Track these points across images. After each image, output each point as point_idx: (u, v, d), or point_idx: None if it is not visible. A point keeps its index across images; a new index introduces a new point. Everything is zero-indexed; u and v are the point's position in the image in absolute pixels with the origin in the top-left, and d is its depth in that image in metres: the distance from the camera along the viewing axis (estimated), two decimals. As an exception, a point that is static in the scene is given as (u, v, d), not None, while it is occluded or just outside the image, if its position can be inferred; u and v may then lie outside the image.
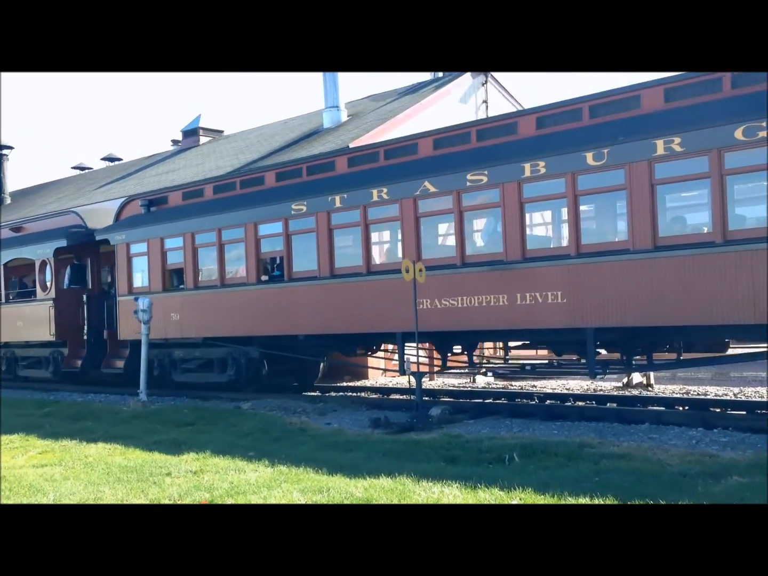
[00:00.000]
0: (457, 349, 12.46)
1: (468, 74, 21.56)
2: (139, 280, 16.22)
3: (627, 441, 8.15)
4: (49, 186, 34.70)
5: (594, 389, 13.67)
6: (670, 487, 5.88)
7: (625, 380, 13.55)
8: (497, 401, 11.89)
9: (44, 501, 6.44)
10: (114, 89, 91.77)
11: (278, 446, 8.75)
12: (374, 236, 12.82)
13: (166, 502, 6.30)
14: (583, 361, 10.71)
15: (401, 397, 13.66)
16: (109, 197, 22.51)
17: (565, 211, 10.24)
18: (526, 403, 11.60)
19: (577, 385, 14.04)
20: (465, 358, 12.35)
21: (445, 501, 5.87)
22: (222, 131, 29.63)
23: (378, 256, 13.08)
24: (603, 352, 10.70)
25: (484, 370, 13.13)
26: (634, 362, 10.73)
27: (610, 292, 9.56)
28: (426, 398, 11.08)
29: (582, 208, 10.08)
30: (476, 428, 9.67)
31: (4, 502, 6.50)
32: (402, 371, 11.62)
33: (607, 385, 14.13)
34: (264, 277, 13.91)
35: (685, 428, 8.92)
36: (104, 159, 35.43)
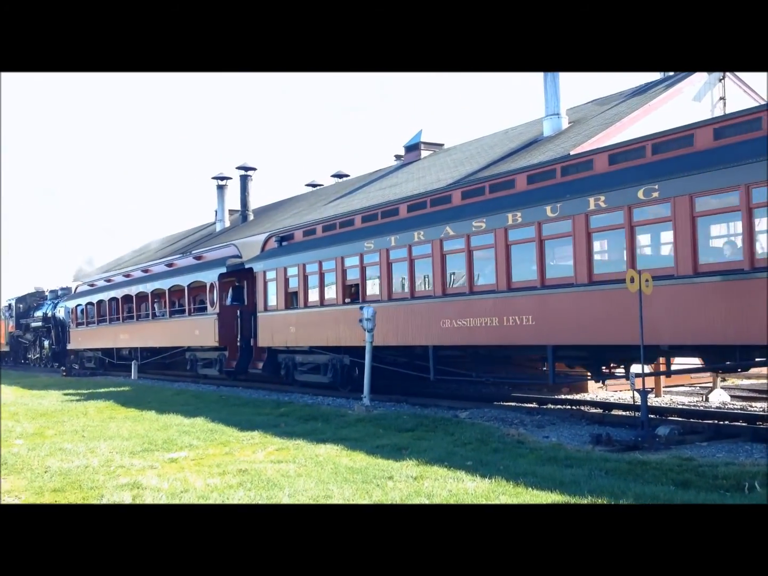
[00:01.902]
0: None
1: (702, 71, 20.10)
2: (272, 300, 19.89)
3: None
4: (286, 203, 37.67)
5: None
6: None
7: None
8: (734, 423, 10.91)
9: (280, 495, 7.00)
10: (341, 109, 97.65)
11: (496, 457, 8.75)
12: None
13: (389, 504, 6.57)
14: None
15: (623, 413, 13.02)
16: (337, 212, 23.96)
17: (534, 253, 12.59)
18: (769, 427, 10.52)
19: None
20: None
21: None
22: (442, 144, 30.32)
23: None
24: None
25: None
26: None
27: (565, 317, 11.96)
28: (652, 416, 10.47)
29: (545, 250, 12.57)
30: (710, 451, 8.97)
31: (247, 494, 7.16)
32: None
33: None
34: (347, 299, 17.17)
35: None
36: (334, 176, 37.82)
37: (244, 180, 37.42)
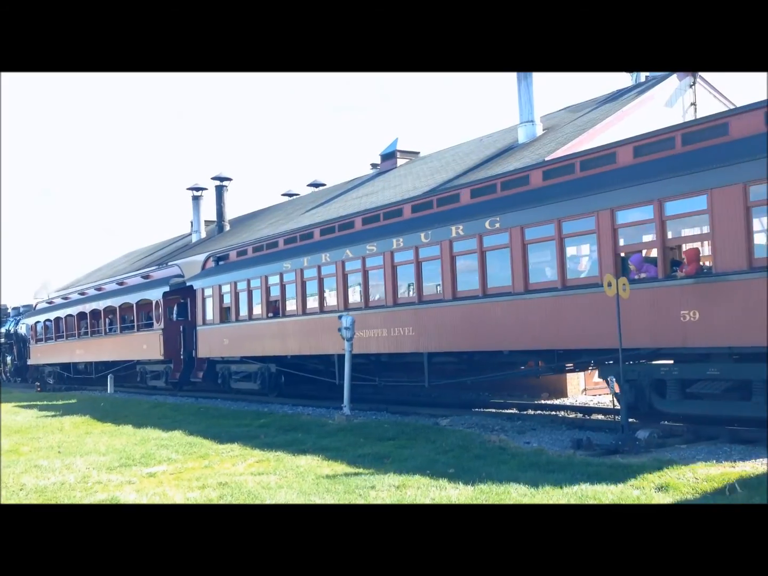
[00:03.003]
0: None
1: (674, 76, 20.38)
2: (209, 314, 21.97)
3: None
4: (262, 213, 37.52)
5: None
6: None
7: None
8: (713, 425, 10.98)
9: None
10: (317, 118, 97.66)
11: (478, 464, 8.73)
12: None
13: (371, 514, 6.52)
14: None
15: (603, 417, 13.09)
16: (314, 221, 23.89)
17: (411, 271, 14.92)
18: (747, 428, 10.61)
19: None
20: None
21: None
22: (418, 152, 30.39)
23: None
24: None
25: None
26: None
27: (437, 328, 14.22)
28: (631, 420, 10.52)
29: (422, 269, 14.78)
30: (690, 454, 9.01)
31: (228, 503, 7.06)
32: None
33: None
34: (270, 314, 19.20)
35: None
36: (310, 185, 37.73)
37: (220, 190, 37.20)
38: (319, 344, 17.33)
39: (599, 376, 12.70)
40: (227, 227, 37.08)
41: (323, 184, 37.10)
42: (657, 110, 19.81)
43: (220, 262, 22.44)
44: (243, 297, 20.37)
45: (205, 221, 39.40)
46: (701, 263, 10.78)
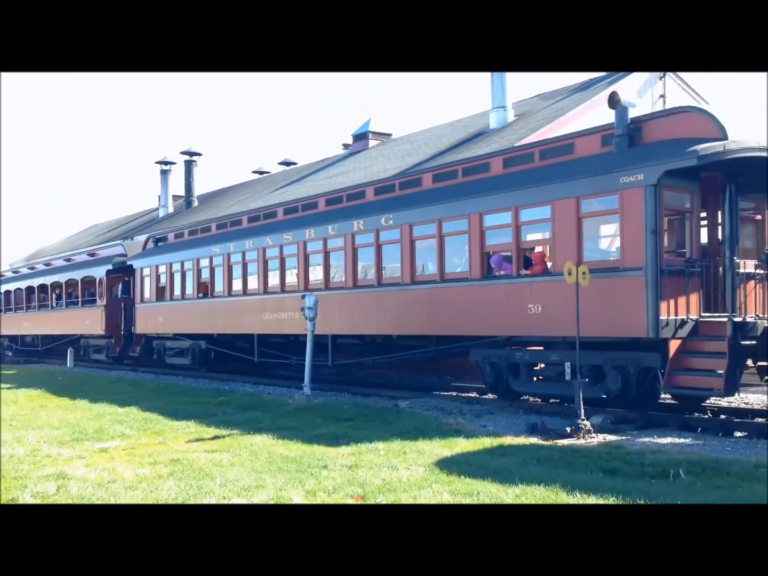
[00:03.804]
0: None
1: (643, 68, 20.48)
2: (147, 293, 23.28)
3: (812, 465, 7.38)
4: (232, 189, 37.15)
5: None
6: None
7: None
8: (664, 413, 11.19)
9: (211, 484, 6.89)
10: (291, 96, 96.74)
11: (432, 446, 8.77)
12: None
13: (322, 494, 6.53)
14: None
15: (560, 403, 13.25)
16: (283, 199, 23.70)
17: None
18: (697, 416, 10.84)
19: (757, 399, 12.91)
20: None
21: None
22: (390, 134, 30.28)
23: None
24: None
25: None
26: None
27: (341, 313, 15.57)
28: (586, 406, 10.66)
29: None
30: (639, 440, 9.17)
31: (177, 482, 7.03)
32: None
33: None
34: (200, 294, 20.68)
35: None
36: (281, 163, 37.40)
37: (189, 165, 36.73)
38: (242, 324, 18.71)
39: (470, 359, 13.65)
40: (195, 203, 36.66)
41: (294, 163, 36.81)
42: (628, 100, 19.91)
43: (159, 244, 23.82)
44: (177, 277, 21.81)
45: (174, 196, 38.92)
46: (546, 264, 12.18)
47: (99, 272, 25.98)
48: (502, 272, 12.59)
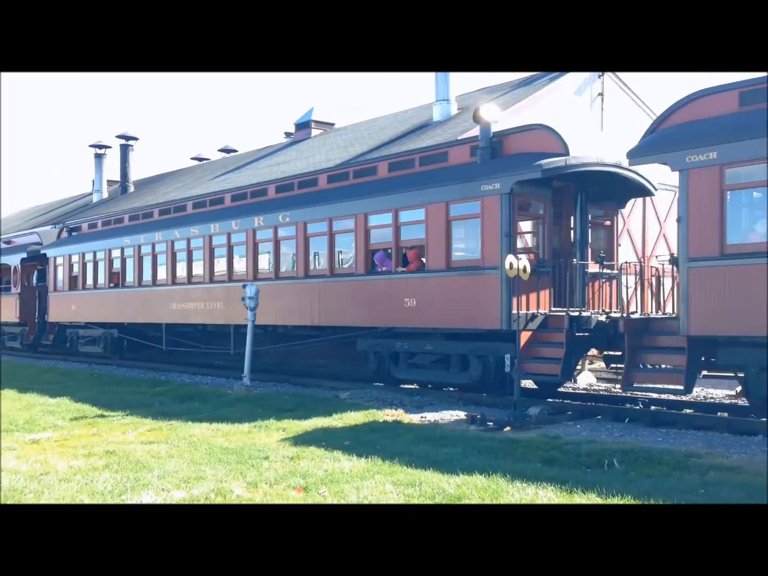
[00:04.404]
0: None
1: (583, 65, 20.87)
2: (60, 282, 23.98)
3: (738, 453, 7.71)
4: (170, 176, 36.33)
5: (704, 397, 13.02)
6: (784, 506, 5.49)
7: (737, 389, 12.81)
8: (599, 404, 11.50)
9: (148, 476, 6.75)
10: (230, 83, 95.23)
11: (374, 437, 8.80)
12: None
13: (264, 485, 6.47)
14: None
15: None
16: (223, 187, 23.33)
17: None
18: (630, 407, 11.17)
19: (720, 393, 13.40)
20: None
21: (538, 503, 5.73)
22: (333, 124, 30.06)
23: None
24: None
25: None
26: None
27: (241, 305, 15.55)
28: (525, 397, 10.87)
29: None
30: (575, 430, 9.40)
31: (113, 474, 6.86)
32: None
33: (719, 393, 13.42)
34: (112, 284, 21.60)
35: (805, 443, 8.34)
36: (221, 150, 36.75)
37: (125, 150, 35.72)
38: (151, 313, 19.65)
39: (357, 348, 14.57)
40: (131, 188, 35.74)
41: (235, 150, 36.23)
42: (567, 98, 20.29)
43: (73, 233, 24.43)
44: (90, 267, 22.60)
45: (109, 181, 37.84)
46: (422, 261, 13.20)
47: (14, 260, 26.20)
48: (383, 268, 13.74)
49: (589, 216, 12.88)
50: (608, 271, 12.24)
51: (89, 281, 22.46)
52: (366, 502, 5.86)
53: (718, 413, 10.51)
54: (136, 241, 20.29)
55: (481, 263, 11.95)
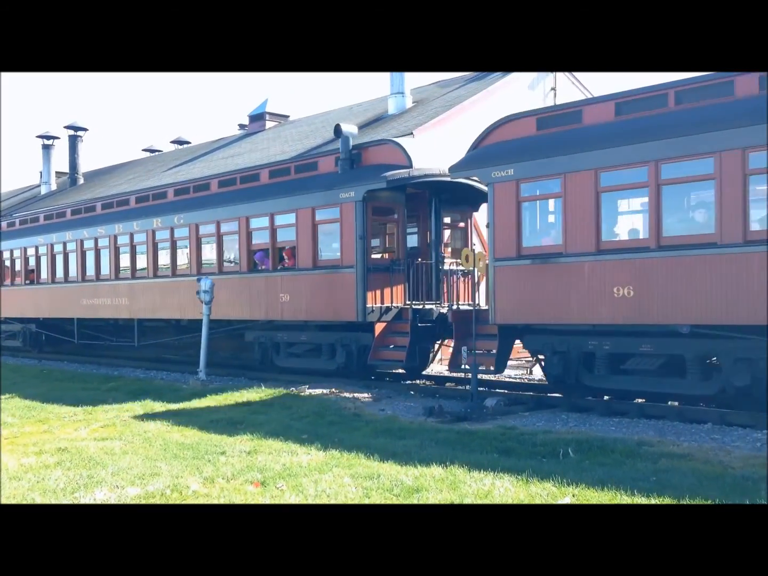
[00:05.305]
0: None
1: (537, 61, 21.11)
2: None
3: (688, 441, 7.91)
4: (121, 167, 35.63)
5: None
6: (732, 491, 5.66)
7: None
8: (555, 395, 11.68)
9: (102, 473, 6.62)
10: (184, 73, 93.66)
11: (332, 430, 8.80)
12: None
13: (220, 480, 6.41)
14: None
15: (457, 386, 13.57)
16: (177, 179, 23.01)
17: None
18: (584, 397, 11.35)
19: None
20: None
21: (495, 493, 5.79)
22: (288, 116, 29.83)
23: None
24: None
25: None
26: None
27: (145, 299, 17.87)
28: (482, 389, 10.97)
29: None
30: (532, 421, 9.53)
31: (65, 472, 6.72)
32: None
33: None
34: (27, 281, 22.43)
35: (750, 430, 8.59)
36: (173, 142, 36.15)
37: (74, 141, 34.90)
38: (63, 309, 20.59)
39: (245, 339, 15.65)
40: (81, 180, 34.95)
41: (188, 142, 35.69)
42: (520, 92, 20.51)
43: (7, 229, 24.83)
44: (8, 264, 23.49)
45: (57, 173, 36.93)
46: (294, 260, 14.37)
47: None
48: (263, 267, 14.99)
49: (449, 218, 14.47)
50: (462, 267, 13.27)
51: (7, 278, 23.49)
52: (324, 495, 5.85)
53: (669, 402, 10.74)
54: (49, 240, 21.39)
55: (340, 263, 13.41)
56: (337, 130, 13.94)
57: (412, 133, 17.07)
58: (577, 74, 21.82)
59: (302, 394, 12.15)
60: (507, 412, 10.23)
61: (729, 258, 8.77)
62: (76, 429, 9.09)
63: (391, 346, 12.92)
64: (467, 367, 11.21)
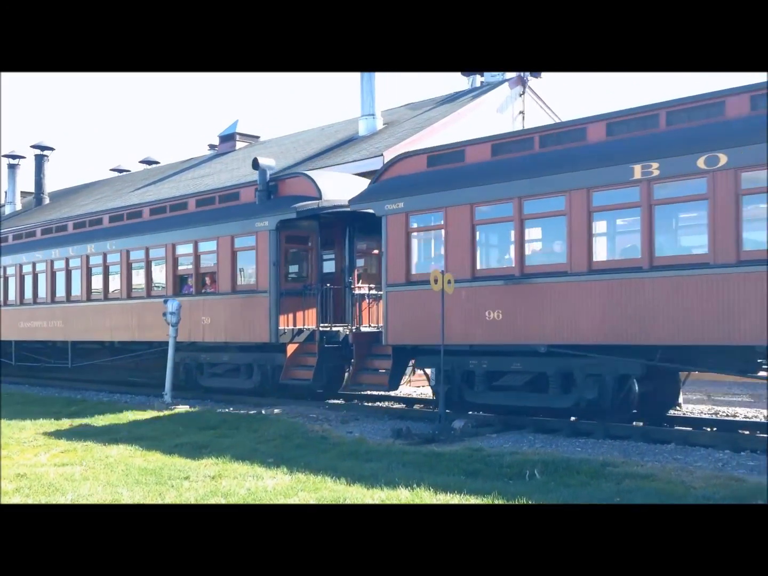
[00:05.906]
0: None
1: (506, 84, 21.43)
2: None
3: (651, 461, 7.96)
4: (88, 187, 35.29)
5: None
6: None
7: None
8: (522, 416, 11.70)
9: (62, 500, 6.48)
10: (153, 92, 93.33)
11: (298, 453, 8.71)
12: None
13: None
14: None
15: (425, 408, 13.55)
16: (144, 199, 22.85)
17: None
18: (550, 419, 11.40)
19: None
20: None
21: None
22: (258, 137, 29.84)
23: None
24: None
25: None
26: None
27: (78, 322, 18.58)
28: (449, 410, 10.97)
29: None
30: (499, 442, 9.54)
31: (24, 500, 6.55)
32: None
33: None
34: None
35: (712, 450, 8.69)
36: (142, 162, 35.92)
37: (40, 160, 34.54)
38: (2, 331, 21.21)
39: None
40: (47, 200, 34.55)
41: (157, 162, 35.48)
42: (489, 115, 20.76)
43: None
44: None
45: (23, 192, 36.47)
46: (216, 285, 15.33)
47: None
48: (187, 291, 15.81)
49: (364, 245, 15.18)
50: (374, 292, 14.38)
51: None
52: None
53: (634, 423, 10.83)
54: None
55: (256, 287, 14.30)
56: (255, 163, 14.57)
57: (382, 155, 17.16)
58: (544, 98, 22.16)
59: (270, 416, 12.04)
60: (475, 433, 10.22)
61: (576, 285, 9.97)
62: (35, 454, 8.89)
63: (302, 366, 13.78)
64: (370, 384, 12.29)
